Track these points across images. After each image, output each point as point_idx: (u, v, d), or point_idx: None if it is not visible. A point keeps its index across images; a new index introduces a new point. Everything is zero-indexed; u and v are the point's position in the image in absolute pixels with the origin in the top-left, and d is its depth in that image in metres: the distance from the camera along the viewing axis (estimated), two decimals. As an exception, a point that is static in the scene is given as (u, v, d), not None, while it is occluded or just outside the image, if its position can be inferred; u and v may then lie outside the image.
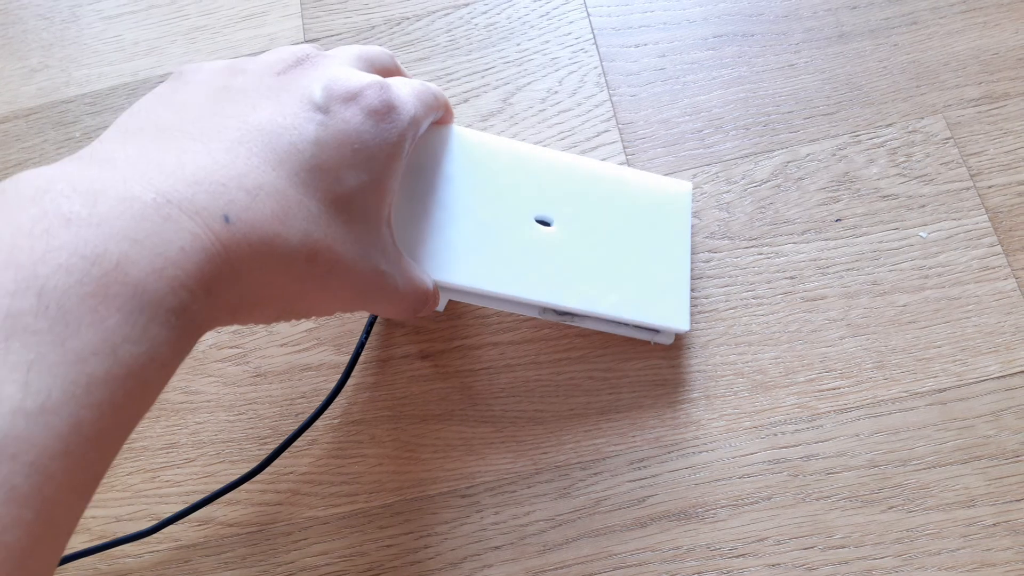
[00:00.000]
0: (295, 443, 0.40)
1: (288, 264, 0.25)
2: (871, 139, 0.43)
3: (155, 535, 0.39)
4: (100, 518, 0.40)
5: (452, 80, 0.47)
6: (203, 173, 0.24)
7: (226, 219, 0.23)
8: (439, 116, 0.35)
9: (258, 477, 0.40)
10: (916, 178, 0.42)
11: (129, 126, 0.26)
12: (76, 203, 0.21)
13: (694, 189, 0.43)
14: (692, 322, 0.40)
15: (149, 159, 0.24)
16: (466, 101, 0.47)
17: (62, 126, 0.50)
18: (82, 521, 0.40)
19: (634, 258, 0.39)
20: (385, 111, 0.28)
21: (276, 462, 0.40)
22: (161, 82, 0.50)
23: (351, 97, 0.28)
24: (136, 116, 0.27)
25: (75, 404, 0.19)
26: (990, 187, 0.41)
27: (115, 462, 0.41)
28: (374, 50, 0.33)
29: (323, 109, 0.27)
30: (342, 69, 0.29)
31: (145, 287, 0.21)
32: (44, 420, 0.19)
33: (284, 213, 0.25)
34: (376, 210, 0.29)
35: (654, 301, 0.38)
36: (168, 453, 0.41)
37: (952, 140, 0.42)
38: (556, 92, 0.46)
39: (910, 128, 0.43)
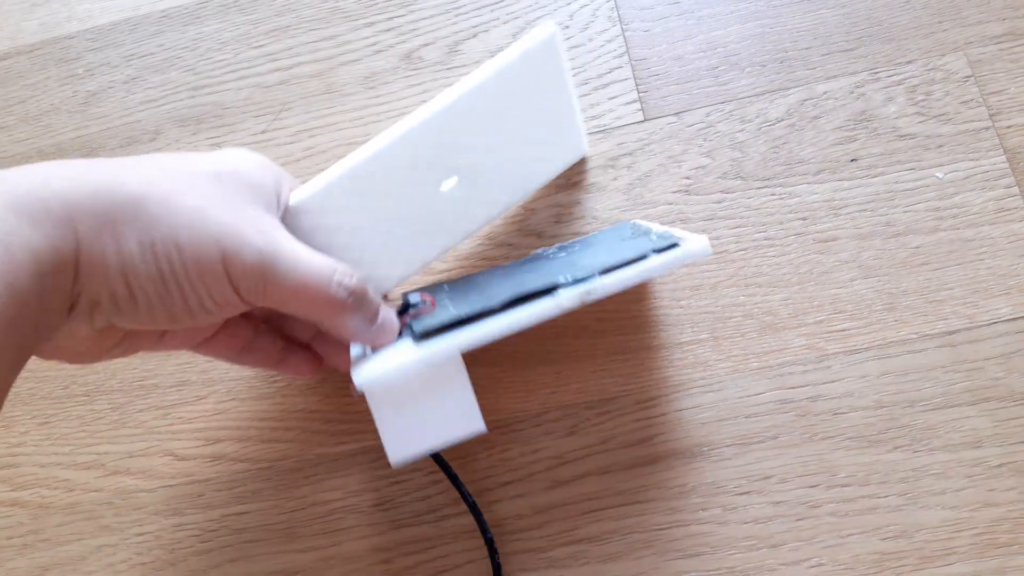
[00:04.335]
0: (304, 380, 0.41)
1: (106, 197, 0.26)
2: (890, 77, 0.42)
3: (169, 471, 0.40)
4: (113, 454, 0.41)
5: (460, 14, 0.46)
6: None
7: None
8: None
9: (268, 413, 0.40)
10: (935, 117, 0.41)
11: None
12: None
13: (707, 128, 0.42)
14: (703, 264, 0.40)
15: None
16: (475, 36, 0.46)
17: (65, 62, 0.49)
18: (95, 457, 0.41)
19: (527, 133, 0.38)
20: None
21: (286, 399, 0.41)
22: (164, 17, 0.49)
23: None
24: None
25: None
26: (1009, 127, 0.40)
27: (127, 400, 0.41)
28: None
29: None
30: None
31: None
32: None
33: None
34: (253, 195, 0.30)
35: (553, 155, 0.41)
36: (179, 391, 0.41)
37: (973, 78, 0.41)
38: (567, 27, 0.45)
39: (930, 65, 0.42)
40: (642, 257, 0.33)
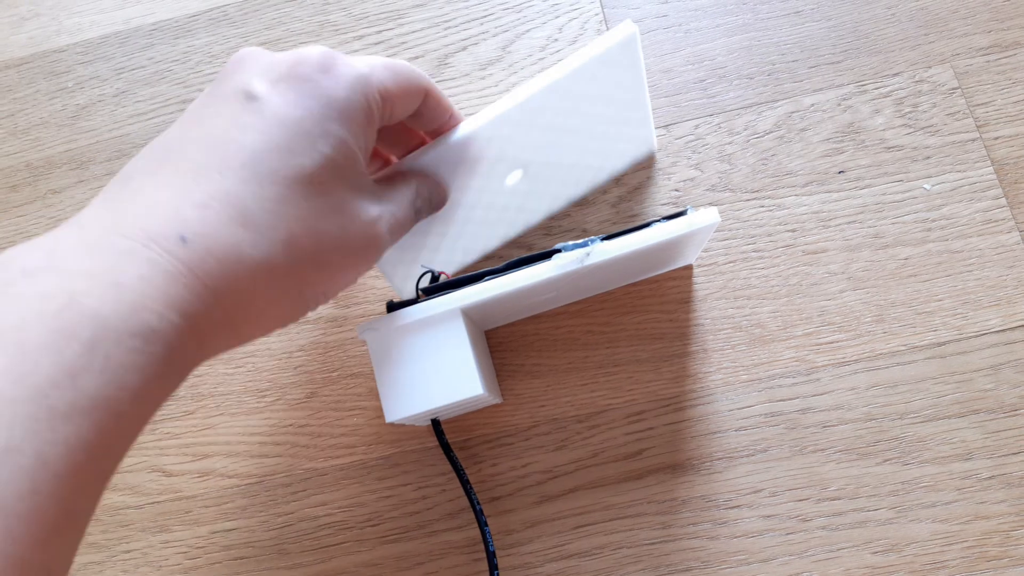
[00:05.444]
0: (293, 395, 0.41)
1: (267, 261, 0.25)
2: (877, 89, 0.42)
3: (157, 487, 0.40)
4: (101, 469, 0.40)
5: (449, 28, 0.46)
6: (155, 202, 0.24)
7: (183, 240, 0.23)
8: (412, 88, 0.30)
9: (257, 428, 0.40)
10: (922, 129, 0.41)
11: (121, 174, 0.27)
12: (36, 257, 0.22)
13: (695, 140, 0.42)
14: (692, 276, 0.40)
15: (109, 205, 0.25)
16: (464, 49, 0.46)
17: (54, 76, 0.49)
18: (84, 472, 0.40)
19: (597, 130, 0.38)
20: (324, 68, 0.27)
21: (275, 414, 0.40)
22: (154, 30, 0.49)
23: (286, 74, 0.27)
24: (132, 162, 0.27)
25: (38, 440, 0.19)
26: (996, 138, 0.40)
27: (115, 414, 0.41)
28: (399, 64, 0.30)
29: (256, 96, 0.26)
30: (289, 52, 0.28)
31: (103, 315, 0.21)
32: (8, 459, 0.18)
33: (241, 213, 0.24)
34: (350, 168, 0.28)
35: (621, 151, 0.40)
36: (167, 405, 0.41)
37: (959, 90, 0.41)
38: (556, 40, 0.45)
39: (917, 78, 0.42)
40: (646, 225, 0.33)
